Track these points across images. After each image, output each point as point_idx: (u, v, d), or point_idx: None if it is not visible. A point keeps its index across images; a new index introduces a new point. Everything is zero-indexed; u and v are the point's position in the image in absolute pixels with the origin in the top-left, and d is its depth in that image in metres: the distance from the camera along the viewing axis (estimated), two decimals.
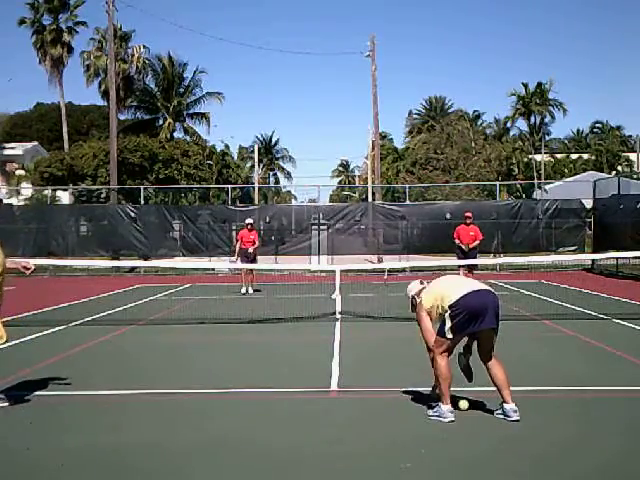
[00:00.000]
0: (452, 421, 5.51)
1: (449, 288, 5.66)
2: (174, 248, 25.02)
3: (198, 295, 16.55)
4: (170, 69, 48.00)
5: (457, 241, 16.24)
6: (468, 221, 16.28)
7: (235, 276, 22.36)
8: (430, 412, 5.67)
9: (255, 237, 17.06)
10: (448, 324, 5.52)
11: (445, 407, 5.56)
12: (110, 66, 30.73)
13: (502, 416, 5.56)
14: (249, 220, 17.54)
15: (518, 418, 5.49)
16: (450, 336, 5.53)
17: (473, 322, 5.48)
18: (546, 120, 56.42)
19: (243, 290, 16.69)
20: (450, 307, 5.51)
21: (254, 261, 17.05)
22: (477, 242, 16.19)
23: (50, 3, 47.03)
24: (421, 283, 6.00)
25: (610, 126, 71.27)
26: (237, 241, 17.23)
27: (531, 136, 56.97)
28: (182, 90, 48.83)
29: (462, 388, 6.45)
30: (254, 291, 16.83)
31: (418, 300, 5.82)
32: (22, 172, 45.26)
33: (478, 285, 5.71)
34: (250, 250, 16.76)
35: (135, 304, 14.56)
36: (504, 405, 5.58)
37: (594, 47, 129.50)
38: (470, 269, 15.57)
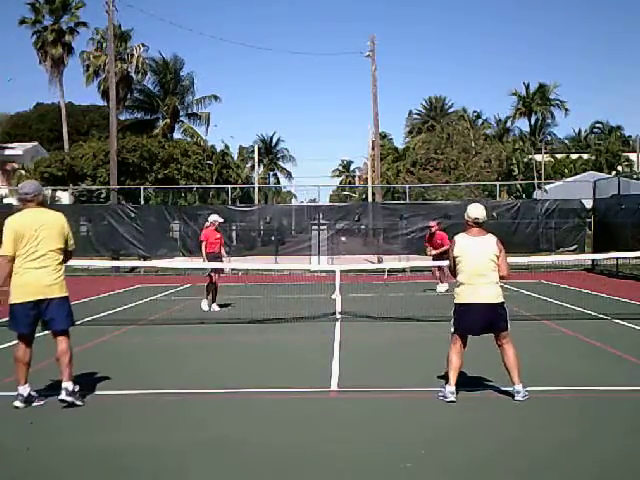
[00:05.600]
0: (452, 401, 6.00)
1: (462, 279, 6.11)
2: (174, 248, 24.98)
3: (198, 295, 16.54)
4: (169, 69, 48.02)
5: (428, 249, 16.40)
6: (433, 230, 16.34)
7: (236, 276, 22.37)
8: (439, 394, 6.15)
9: (221, 238, 13.70)
10: (452, 319, 6.18)
11: (447, 388, 6.09)
12: (110, 66, 30.71)
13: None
14: (217, 218, 13.55)
15: (521, 399, 5.99)
16: (452, 330, 6.17)
17: (470, 328, 6.14)
18: (547, 120, 56.50)
19: (205, 307, 13.40)
20: (455, 304, 6.15)
21: (219, 269, 13.72)
22: (444, 248, 16.32)
23: (51, 4, 47.07)
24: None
25: (610, 126, 71.25)
26: (203, 242, 13.34)
27: (532, 136, 56.97)
28: (181, 90, 48.85)
29: (469, 388, 6.46)
30: (220, 307, 13.52)
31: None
32: (22, 172, 45.18)
33: (481, 295, 6.04)
34: (217, 252, 13.39)
35: (135, 304, 14.56)
36: (514, 386, 6.07)
37: (594, 47, 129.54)
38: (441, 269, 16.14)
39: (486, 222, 6.26)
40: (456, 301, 6.17)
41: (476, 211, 6.20)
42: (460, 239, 6.21)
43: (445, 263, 15.82)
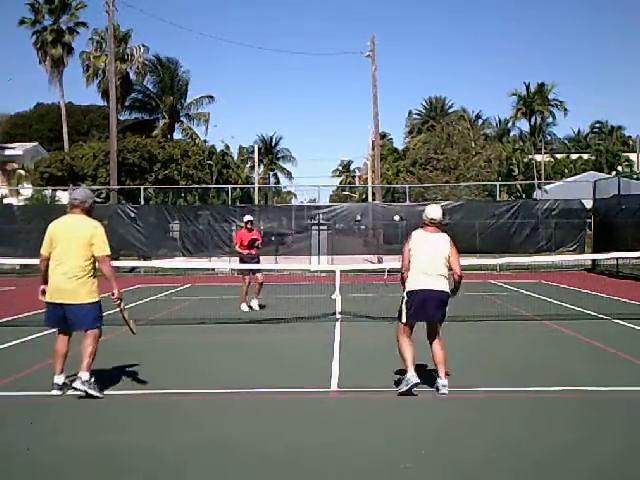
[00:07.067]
0: (417, 382, 6.25)
1: (412, 270, 6.45)
2: (174, 248, 25.00)
3: (198, 295, 16.55)
4: (167, 70, 48.02)
5: None
6: None
7: (235, 276, 22.36)
8: (404, 386, 6.33)
9: (259, 236, 13.68)
10: (403, 309, 6.50)
11: (408, 374, 6.34)
12: (110, 66, 30.71)
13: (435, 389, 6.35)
14: (248, 217, 13.65)
15: (446, 392, 6.24)
16: (402, 320, 6.51)
17: (417, 314, 6.44)
18: (547, 120, 56.51)
19: (245, 308, 13.18)
20: (406, 294, 6.48)
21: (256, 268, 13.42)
22: None
23: (51, 4, 47.08)
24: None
25: (611, 126, 71.28)
26: (237, 244, 13.37)
27: (532, 136, 56.97)
28: (180, 90, 48.87)
29: (469, 388, 6.46)
30: (260, 307, 13.35)
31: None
32: (22, 172, 45.19)
33: (430, 283, 6.37)
34: (254, 252, 13.27)
35: (135, 304, 14.54)
36: (437, 380, 6.36)
37: (594, 47, 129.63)
38: None
39: (442, 222, 6.65)
40: (405, 290, 6.51)
41: (433, 211, 6.64)
42: (416, 234, 6.64)
43: None
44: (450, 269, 6.48)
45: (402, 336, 6.52)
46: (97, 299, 6.47)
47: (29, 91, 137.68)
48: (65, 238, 6.40)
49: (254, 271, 13.26)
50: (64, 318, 6.41)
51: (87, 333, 6.43)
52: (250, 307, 13.23)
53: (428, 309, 6.38)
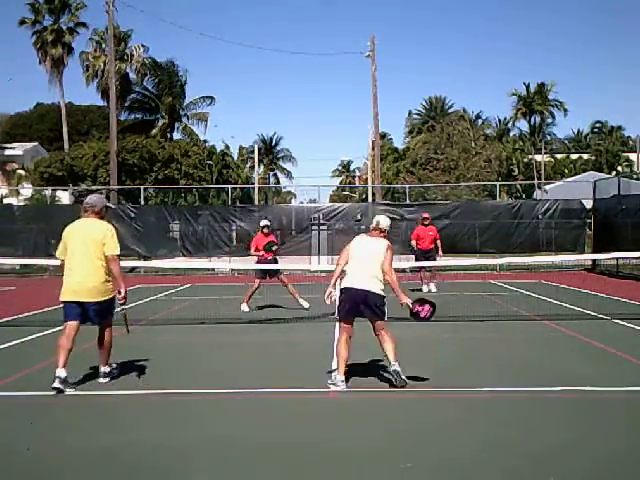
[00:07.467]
0: (343, 389, 6.57)
1: (347, 270, 6.88)
2: (174, 248, 24.98)
3: (198, 295, 16.54)
4: (166, 71, 48.03)
5: (414, 242, 16.47)
6: (426, 222, 16.49)
7: (235, 276, 22.37)
8: (329, 381, 6.77)
9: (275, 241, 13.76)
10: (337, 304, 6.96)
11: (338, 377, 6.70)
12: (110, 66, 30.71)
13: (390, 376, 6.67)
14: (265, 222, 13.64)
15: (398, 369, 6.59)
16: (336, 316, 6.98)
17: (350, 312, 6.84)
18: (547, 120, 56.55)
19: (245, 308, 13.11)
20: (340, 290, 6.86)
21: (275, 271, 13.28)
22: (438, 242, 16.40)
23: (51, 4, 47.10)
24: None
25: (611, 126, 71.31)
26: (252, 249, 13.46)
27: (532, 136, 56.99)
28: (179, 91, 48.88)
29: (469, 388, 6.47)
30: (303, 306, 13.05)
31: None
32: (22, 172, 45.18)
33: (358, 282, 6.74)
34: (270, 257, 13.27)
35: (135, 304, 14.53)
36: (391, 363, 6.68)
37: (594, 47, 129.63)
38: (431, 270, 16.29)
39: (388, 230, 7.13)
40: (340, 287, 6.90)
41: (379, 219, 7.20)
42: (358, 237, 7.20)
43: (435, 263, 15.95)
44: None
45: (341, 335, 6.90)
46: (112, 295, 6.85)
47: (29, 91, 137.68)
48: (79, 240, 6.74)
49: (272, 273, 13.16)
50: (83, 313, 6.76)
51: (103, 327, 6.95)
52: (303, 307, 12.95)
53: (358, 306, 6.75)
